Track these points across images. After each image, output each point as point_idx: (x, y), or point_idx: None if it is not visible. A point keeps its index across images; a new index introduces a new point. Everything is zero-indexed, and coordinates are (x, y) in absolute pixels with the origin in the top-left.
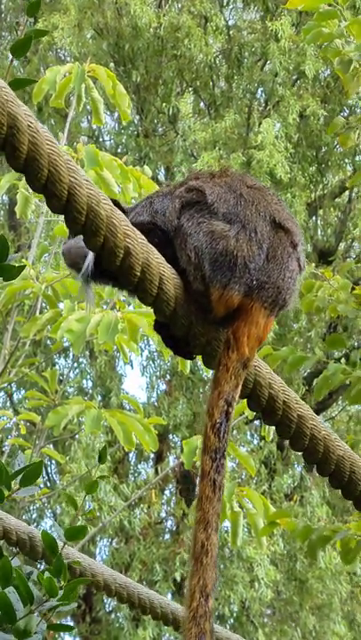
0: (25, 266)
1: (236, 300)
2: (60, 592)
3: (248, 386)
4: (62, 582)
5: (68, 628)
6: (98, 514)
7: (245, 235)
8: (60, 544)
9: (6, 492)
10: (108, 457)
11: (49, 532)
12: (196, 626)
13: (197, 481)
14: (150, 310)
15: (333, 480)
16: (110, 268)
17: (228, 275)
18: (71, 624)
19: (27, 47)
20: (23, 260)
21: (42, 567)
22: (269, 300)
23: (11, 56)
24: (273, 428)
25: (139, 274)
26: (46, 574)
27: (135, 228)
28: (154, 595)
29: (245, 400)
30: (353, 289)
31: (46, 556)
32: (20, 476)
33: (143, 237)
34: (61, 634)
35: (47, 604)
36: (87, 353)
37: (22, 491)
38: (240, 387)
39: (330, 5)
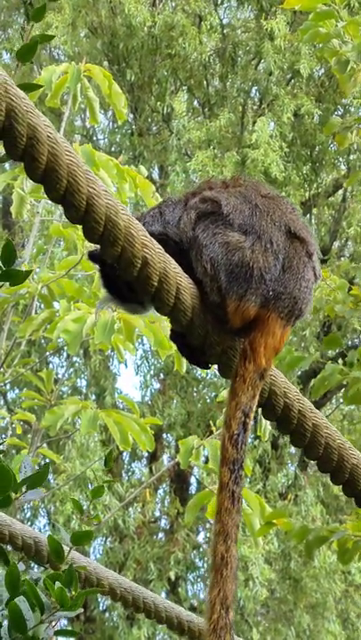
0: (32, 271)
1: (253, 311)
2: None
3: (263, 395)
4: (73, 592)
5: (73, 634)
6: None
7: (261, 245)
8: (66, 549)
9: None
10: (102, 456)
11: (55, 537)
12: (217, 638)
13: (216, 492)
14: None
15: (347, 488)
16: (128, 279)
17: (245, 286)
18: (65, 624)
19: (33, 52)
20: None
21: (35, 568)
22: (286, 310)
23: (7, 56)
24: (268, 427)
25: (156, 284)
26: (57, 584)
27: (153, 239)
28: (159, 599)
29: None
30: (350, 289)
31: (51, 561)
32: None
33: (160, 247)
34: None
35: (58, 614)
36: (81, 352)
37: (29, 494)
38: (257, 397)
39: (326, 5)
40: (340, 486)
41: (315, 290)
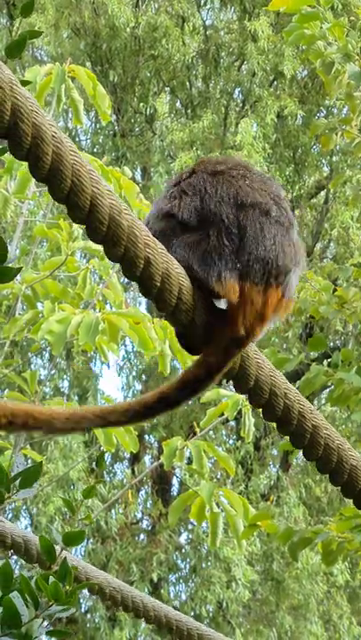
0: (21, 267)
1: (236, 285)
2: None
3: (264, 395)
4: (67, 587)
5: (65, 634)
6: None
7: (214, 230)
8: (57, 549)
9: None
10: (85, 457)
11: (46, 537)
12: None
13: None
14: (129, 311)
15: (346, 490)
16: (130, 279)
17: (216, 268)
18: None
19: (21, 48)
20: None
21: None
22: (258, 274)
23: None
24: (252, 428)
25: (158, 284)
26: (51, 579)
27: (156, 239)
28: (147, 598)
29: (224, 403)
30: (335, 290)
31: (41, 561)
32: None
33: (163, 247)
34: None
35: (52, 609)
36: (64, 353)
37: (21, 492)
38: (229, 363)
39: (311, 7)
40: (340, 487)
41: (298, 292)
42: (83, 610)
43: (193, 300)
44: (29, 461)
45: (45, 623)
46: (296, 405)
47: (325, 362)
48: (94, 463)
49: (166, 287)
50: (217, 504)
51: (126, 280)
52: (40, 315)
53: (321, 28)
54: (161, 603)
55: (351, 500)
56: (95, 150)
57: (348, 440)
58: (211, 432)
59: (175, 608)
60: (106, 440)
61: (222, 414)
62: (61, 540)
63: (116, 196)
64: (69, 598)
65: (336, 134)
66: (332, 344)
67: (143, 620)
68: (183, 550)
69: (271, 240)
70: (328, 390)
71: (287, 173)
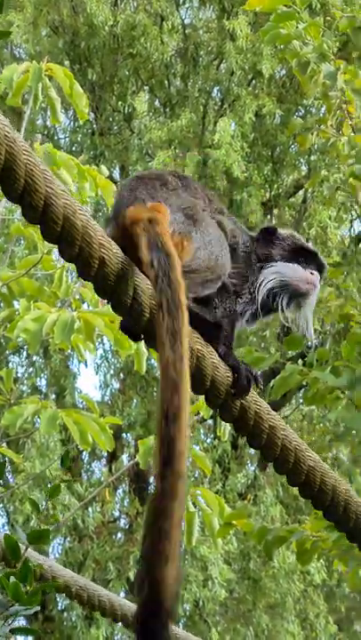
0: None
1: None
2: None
3: (220, 396)
4: (28, 587)
5: (31, 632)
6: (52, 512)
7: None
8: (23, 547)
9: None
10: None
11: (12, 535)
12: None
13: None
14: (105, 309)
15: (304, 490)
16: (85, 279)
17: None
18: (25, 623)
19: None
20: None
21: None
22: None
23: None
24: (228, 427)
25: (113, 284)
26: (11, 579)
27: (110, 240)
28: (114, 596)
29: (202, 399)
30: None
31: (7, 559)
32: None
33: (118, 248)
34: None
35: (12, 609)
36: (41, 351)
37: None
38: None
39: (287, 7)
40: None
41: None
42: (59, 608)
43: (148, 300)
44: (6, 460)
45: (10, 621)
46: (253, 406)
47: (300, 361)
48: (61, 461)
49: (122, 288)
50: (193, 503)
51: None
52: (16, 313)
53: (297, 27)
54: (128, 601)
55: None
56: (74, 149)
57: (323, 439)
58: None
59: None
60: (81, 439)
61: (198, 413)
62: (26, 539)
63: (70, 196)
64: (31, 598)
65: (312, 134)
66: (309, 343)
67: (110, 618)
68: None
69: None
70: (304, 390)
71: (265, 172)
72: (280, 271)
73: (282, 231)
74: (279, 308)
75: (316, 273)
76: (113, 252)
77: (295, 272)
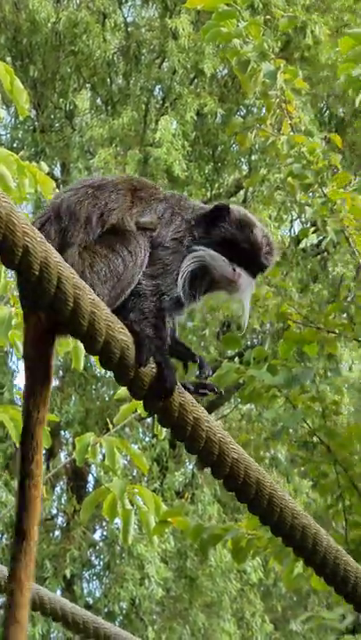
0: None
1: None
2: None
3: (144, 387)
4: None
5: None
6: None
7: None
8: None
9: None
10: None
11: None
12: None
13: None
14: None
15: (228, 482)
16: (10, 268)
17: None
18: None
19: None
20: None
21: None
22: None
23: None
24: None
25: (37, 272)
26: None
27: (34, 228)
28: (44, 591)
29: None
30: None
31: None
32: None
33: (42, 237)
34: None
35: None
36: None
37: None
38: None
39: (228, 5)
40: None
41: None
42: None
43: (73, 289)
44: None
45: None
46: (178, 398)
47: (237, 359)
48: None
49: (45, 276)
50: (130, 501)
51: None
52: None
53: (238, 26)
54: (62, 598)
55: None
56: (15, 145)
57: (259, 438)
58: (127, 429)
59: (88, 605)
60: (17, 435)
61: (135, 411)
62: None
63: None
64: None
65: (252, 133)
66: (249, 342)
67: (39, 612)
68: (97, 547)
69: None
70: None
71: (206, 172)
72: (201, 256)
73: (235, 213)
74: (197, 294)
75: (239, 270)
76: (37, 241)
77: (217, 262)
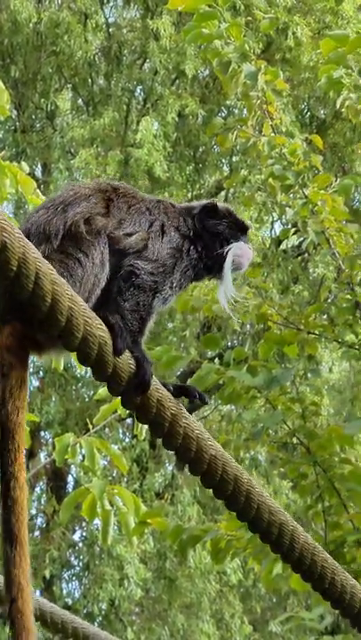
0: None
1: None
2: None
3: (122, 384)
4: None
5: None
6: None
7: None
8: None
9: None
10: None
11: None
12: None
13: None
14: None
15: (205, 479)
16: None
17: None
18: None
19: None
20: None
21: None
22: None
23: None
24: (146, 426)
25: (15, 268)
26: None
27: (13, 224)
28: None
29: (117, 400)
30: None
31: None
32: None
33: (20, 232)
34: None
35: None
36: None
37: None
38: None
39: (210, 7)
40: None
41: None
42: None
43: (51, 285)
44: None
45: None
46: (155, 394)
47: (216, 360)
48: None
49: (23, 272)
50: (110, 502)
51: None
52: None
53: (219, 27)
54: (37, 596)
55: None
56: None
57: (239, 439)
58: (107, 429)
59: (67, 606)
60: None
61: (115, 411)
62: None
63: None
64: None
65: (233, 134)
66: (230, 344)
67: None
68: (76, 548)
69: None
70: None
71: (187, 173)
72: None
73: (220, 206)
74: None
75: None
76: (15, 237)
77: (247, 252)
